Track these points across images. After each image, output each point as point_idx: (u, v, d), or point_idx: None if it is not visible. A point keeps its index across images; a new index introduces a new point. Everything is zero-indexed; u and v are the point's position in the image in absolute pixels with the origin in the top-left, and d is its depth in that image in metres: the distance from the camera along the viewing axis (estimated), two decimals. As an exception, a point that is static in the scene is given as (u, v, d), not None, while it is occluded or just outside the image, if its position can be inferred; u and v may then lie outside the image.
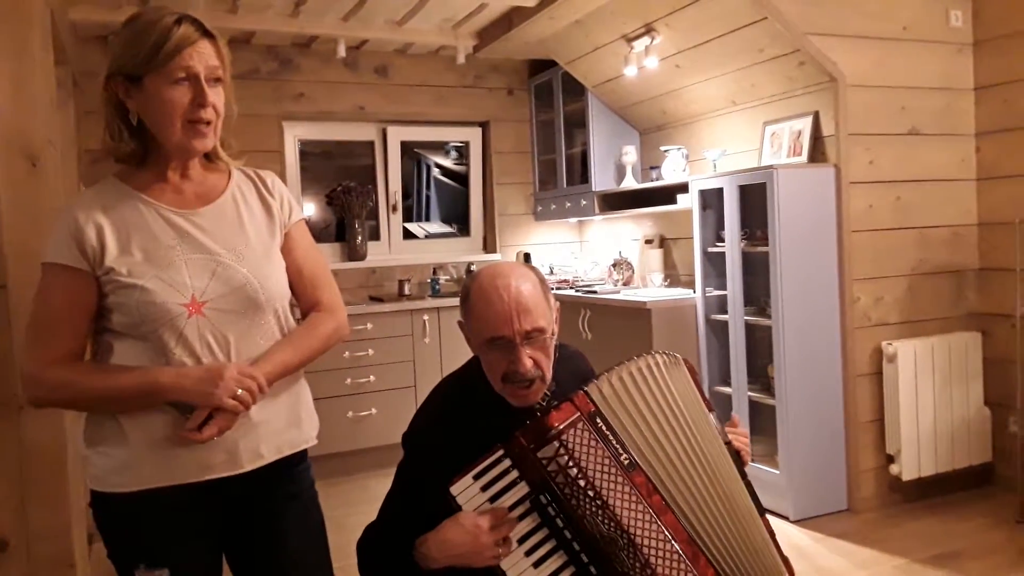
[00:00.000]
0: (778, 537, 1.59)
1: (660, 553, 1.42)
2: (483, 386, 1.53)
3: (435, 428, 1.55)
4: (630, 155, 4.81)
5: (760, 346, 3.70)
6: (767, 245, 3.54)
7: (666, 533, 1.43)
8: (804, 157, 3.71)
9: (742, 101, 4.15)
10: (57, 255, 1.40)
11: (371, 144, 5.24)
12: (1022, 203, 3.57)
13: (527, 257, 5.35)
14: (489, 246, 5.52)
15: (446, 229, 5.75)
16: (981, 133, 3.82)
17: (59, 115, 2.73)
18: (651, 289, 4.45)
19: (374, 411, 4.48)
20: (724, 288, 3.82)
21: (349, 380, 4.45)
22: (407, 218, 5.51)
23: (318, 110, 4.91)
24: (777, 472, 3.50)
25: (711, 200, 3.95)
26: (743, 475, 1.56)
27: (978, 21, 3.80)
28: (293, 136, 4.98)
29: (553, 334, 1.53)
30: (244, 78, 4.63)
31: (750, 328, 3.70)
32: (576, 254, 5.60)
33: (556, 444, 1.40)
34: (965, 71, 3.83)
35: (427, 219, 5.93)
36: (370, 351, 4.49)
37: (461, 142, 5.57)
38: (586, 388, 1.46)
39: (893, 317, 3.63)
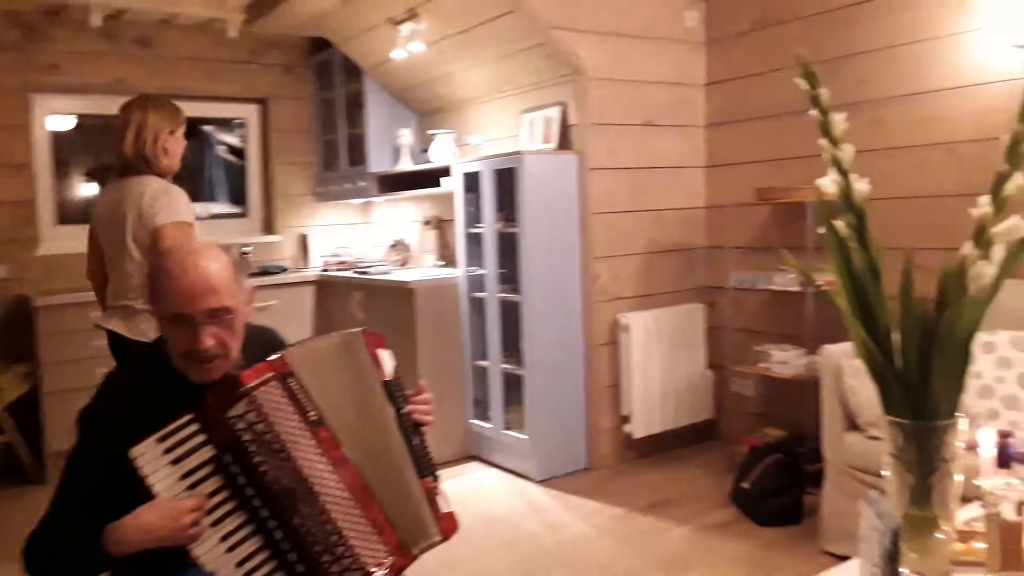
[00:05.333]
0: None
1: (335, 500, 1.57)
2: (169, 364, 1.55)
3: (115, 405, 1.55)
4: (406, 137, 4.91)
5: (515, 321, 3.95)
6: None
7: (343, 482, 1.58)
8: (554, 144, 3.97)
9: (503, 89, 4.36)
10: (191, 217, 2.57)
11: (135, 120, 4.98)
12: (738, 189, 4.03)
13: (303, 239, 5.33)
14: (269, 227, 5.43)
15: (234, 209, 5.59)
16: (710, 124, 4.25)
17: None
18: (421, 269, 4.59)
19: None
20: (484, 267, 4.03)
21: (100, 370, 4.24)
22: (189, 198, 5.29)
23: (71, 82, 4.61)
24: (525, 437, 3.77)
25: (473, 183, 4.13)
26: (413, 439, 1.71)
27: (710, 22, 4.21)
28: (43, 110, 4.64)
29: (242, 314, 1.59)
30: (-21, 46, 4.27)
31: (506, 304, 3.93)
32: (360, 235, 5.64)
33: (246, 401, 1.49)
34: (698, 68, 4.23)
35: (212, 199, 5.72)
36: (127, 337, 4.31)
37: (238, 119, 5.42)
38: (283, 351, 1.57)
39: (629, 291, 3.99)
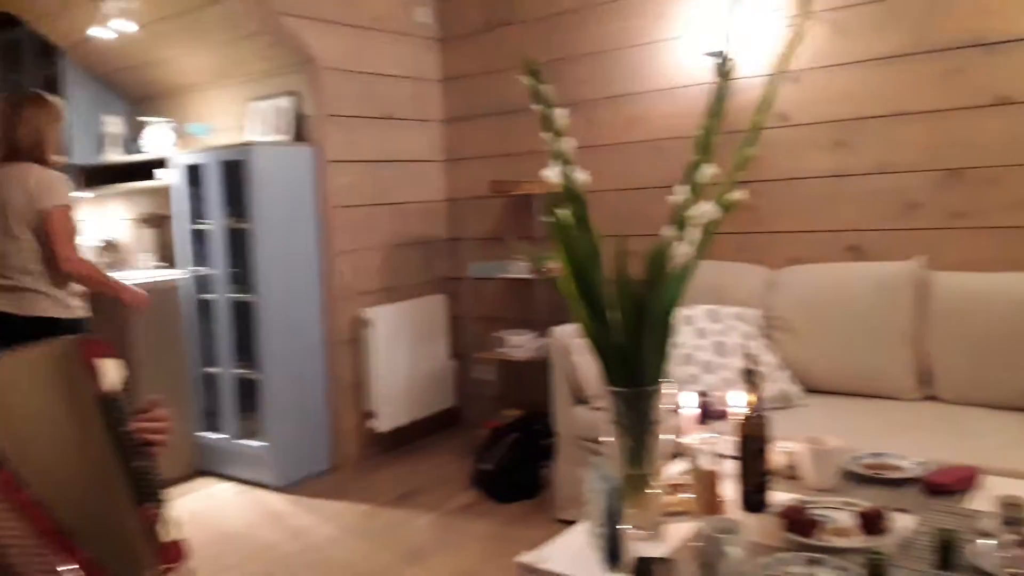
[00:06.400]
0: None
1: (23, 550, 1.34)
2: None
3: None
4: (114, 126, 4.43)
5: (249, 323, 3.73)
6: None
7: (32, 529, 1.35)
8: (287, 135, 3.81)
9: (229, 76, 4.10)
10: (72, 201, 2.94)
11: None
12: (475, 182, 4.14)
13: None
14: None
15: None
16: (447, 120, 4.33)
17: None
18: (136, 271, 4.18)
19: None
20: (212, 266, 3.76)
21: None
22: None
23: None
24: (265, 444, 3.58)
25: (198, 176, 3.83)
26: (134, 461, 1.53)
27: (442, 20, 4.27)
28: None
29: None
30: None
31: (239, 306, 3.70)
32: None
33: None
34: (433, 63, 4.28)
35: None
36: None
37: None
38: None
39: (372, 285, 3.95)
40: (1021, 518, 1.45)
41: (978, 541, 1.44)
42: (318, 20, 3.71)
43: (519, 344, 3.67)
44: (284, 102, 3.88)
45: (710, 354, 2.69)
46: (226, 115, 4.16)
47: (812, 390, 2.78)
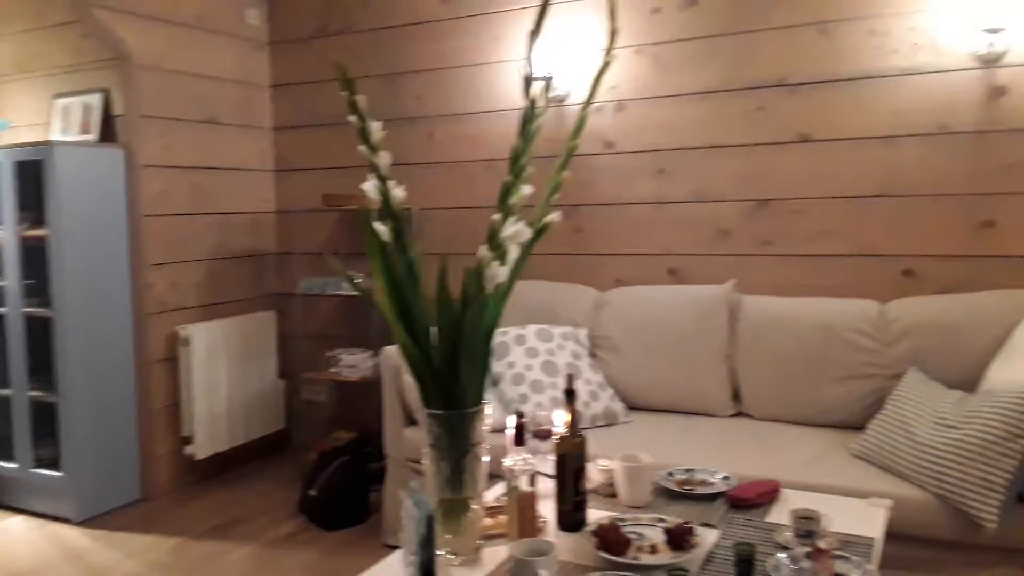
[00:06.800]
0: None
1: None
2: None
3: None
4: None
5: (47, 340, 3.37)
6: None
7: None
8: (95, 136, 3.50)
9: (31, 69, 3.72)
10: None
11: None
12: (308, 194, 3.99)
13: None
14: None
15: None
16: (278, 128, 4.14)
17: None
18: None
19: None
20: (2, 278, 3.37)
21: None
22: None
23: None
24: (62, 474, 3.24)
25: (-12, 177, 3.44)
26: None
27: (273, 23, 4.10)
28: None
29: None
30: None
31: (34, 321, 3.34)
32: None
33: None
34: (262, 68, 4.09)
35: None
36: None
37: None
38: None
39: (191, 301, 3.69)
40: (814, 531, 1.54)
41: (777, 555, 1.52)
42: (135, 14, 3.44)
43: (352, 363, 3.55)
44: (92, 99, 3.56)
45: (539, 373, 2.71)
46: (27, 110, 3.77)
47: (635, 407, 2.88)
